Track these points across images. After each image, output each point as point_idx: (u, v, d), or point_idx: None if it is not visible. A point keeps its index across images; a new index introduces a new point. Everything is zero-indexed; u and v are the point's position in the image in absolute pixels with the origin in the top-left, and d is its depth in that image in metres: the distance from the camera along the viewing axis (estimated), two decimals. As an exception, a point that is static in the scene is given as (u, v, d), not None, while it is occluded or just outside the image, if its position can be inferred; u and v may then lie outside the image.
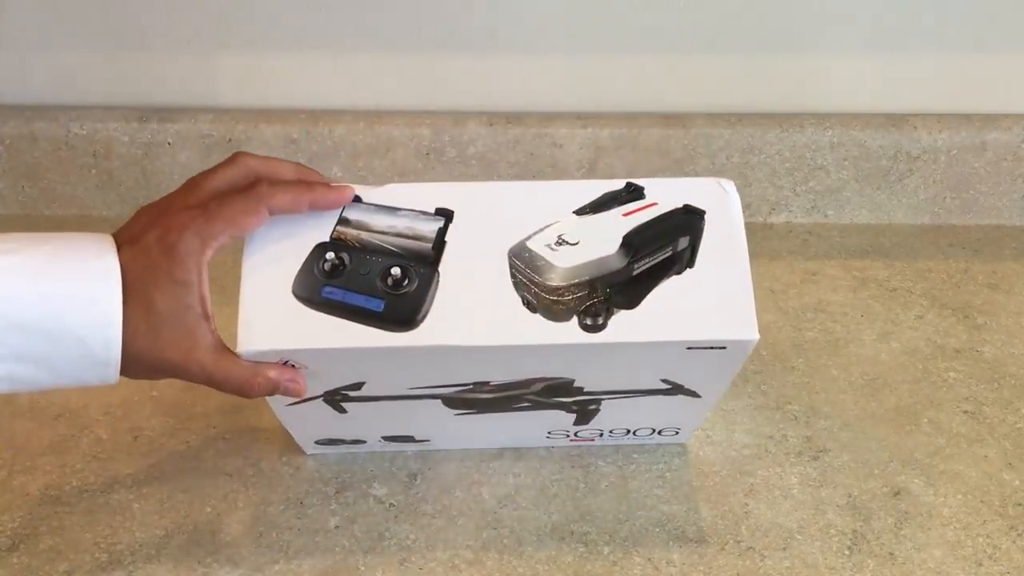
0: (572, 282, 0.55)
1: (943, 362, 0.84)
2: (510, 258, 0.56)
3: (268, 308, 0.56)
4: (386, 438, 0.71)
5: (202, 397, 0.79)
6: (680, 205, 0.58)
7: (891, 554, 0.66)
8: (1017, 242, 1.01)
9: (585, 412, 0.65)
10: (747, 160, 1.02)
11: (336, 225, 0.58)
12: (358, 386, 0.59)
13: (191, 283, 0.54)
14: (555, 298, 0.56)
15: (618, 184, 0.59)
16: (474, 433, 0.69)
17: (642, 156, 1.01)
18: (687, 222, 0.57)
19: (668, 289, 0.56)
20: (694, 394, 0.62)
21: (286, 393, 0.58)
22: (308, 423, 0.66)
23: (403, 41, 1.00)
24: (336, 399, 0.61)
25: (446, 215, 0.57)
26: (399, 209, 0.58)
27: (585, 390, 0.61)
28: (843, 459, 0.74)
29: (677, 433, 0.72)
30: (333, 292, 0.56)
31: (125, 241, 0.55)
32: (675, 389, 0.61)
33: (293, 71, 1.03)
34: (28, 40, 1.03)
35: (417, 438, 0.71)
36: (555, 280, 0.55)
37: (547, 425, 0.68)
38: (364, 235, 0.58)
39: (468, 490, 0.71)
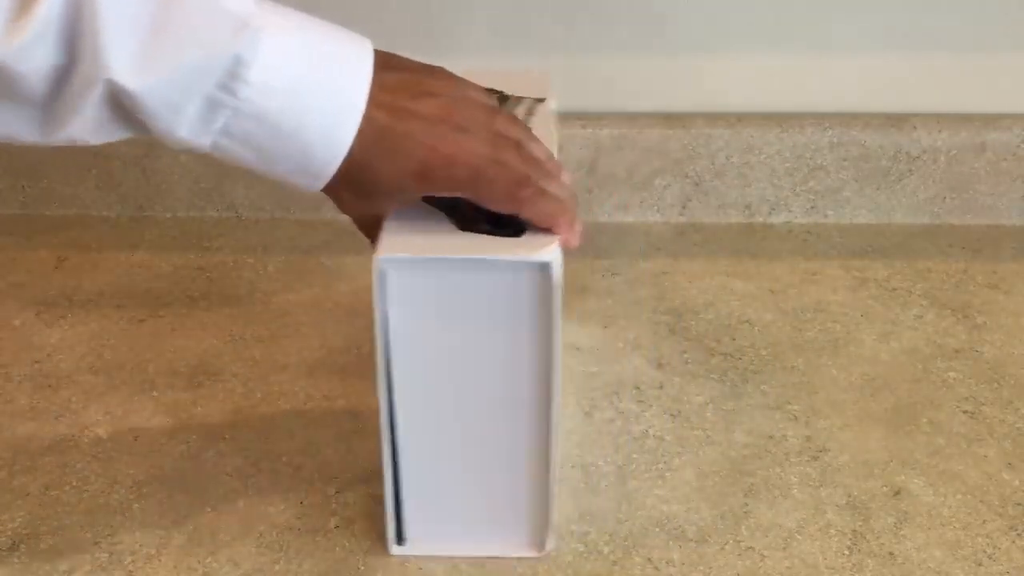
0: None
1: (943, 362, 0.84)
2: None
3: None
4: None
5: (202, 397, 0.80)
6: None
7: (891, 554, 0.66)
8: (1017, 242, 1.01)
9: None
10: (747, 160, 1.02)
11: None
12: None
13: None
14: None
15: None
16: None
17: (642, 156, 1.01)
18: None
19: None
20: None
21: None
22: None
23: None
24: None
25: None
26: None
27: None
28: (843, 459, 0.74)
29: None
30: None
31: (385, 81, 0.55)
32: None
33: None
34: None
35: None
36: None
37: None
38: None
39: (468, 490, 0.71)
